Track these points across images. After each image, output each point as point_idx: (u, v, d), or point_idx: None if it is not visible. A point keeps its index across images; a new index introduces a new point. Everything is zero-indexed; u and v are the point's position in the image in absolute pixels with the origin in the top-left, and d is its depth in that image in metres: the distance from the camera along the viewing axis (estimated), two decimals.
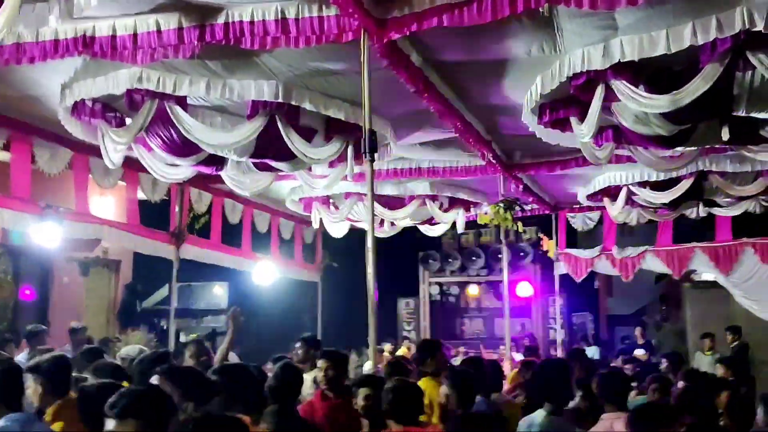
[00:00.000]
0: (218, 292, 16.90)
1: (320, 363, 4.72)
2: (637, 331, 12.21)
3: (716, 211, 10.55)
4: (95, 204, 8.72)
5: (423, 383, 4.90)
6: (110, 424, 2.19)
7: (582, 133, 5.97)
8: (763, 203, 10.26)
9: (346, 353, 5.20)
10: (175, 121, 5.89)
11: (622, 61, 4.92)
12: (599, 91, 5.36)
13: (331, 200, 10.40)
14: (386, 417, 3.71)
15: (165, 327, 11.61)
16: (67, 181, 8.24)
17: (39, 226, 7.18)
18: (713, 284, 13.00)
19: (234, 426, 1.34)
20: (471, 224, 13.04)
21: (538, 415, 3.83)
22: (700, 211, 10.64)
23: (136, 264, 12.20)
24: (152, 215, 9.61)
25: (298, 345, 6.35)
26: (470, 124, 6.80)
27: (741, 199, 9.70)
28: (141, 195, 9.15)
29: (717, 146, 7.18)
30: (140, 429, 2.16)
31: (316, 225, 11.45)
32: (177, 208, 9.52)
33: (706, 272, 12.61)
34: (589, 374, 5.55)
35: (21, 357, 7.03)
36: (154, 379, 3.16)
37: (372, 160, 4.48)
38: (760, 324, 11.98)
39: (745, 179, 8.82)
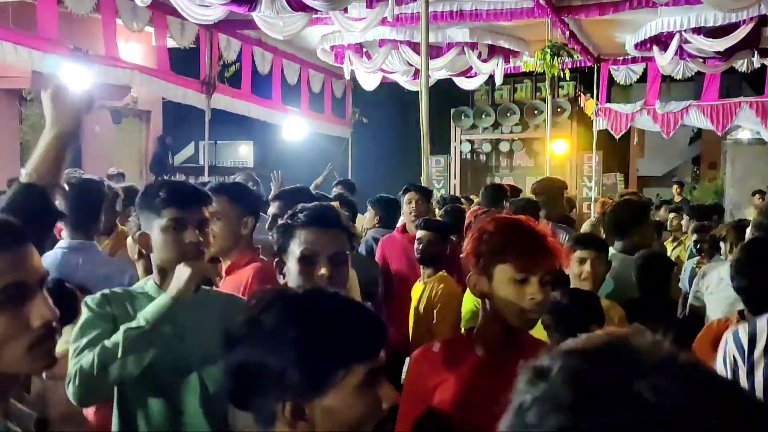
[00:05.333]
0: (243, 151, 16.84)
1: (409, 195, 4.75)
2: (674, 188, 11.99)
3: None
4: (123, 50, 8.40)
5: None
6: None
7: None
8: None
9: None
10: None
11: None
12: None
13: (364, 49, 9.96)
14: None
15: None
16: (95, 26, 7.92)
17: (69, 66, 6.90)
18: (757, 140, 12.64)
19: None
20: (506, 79, 12.56)
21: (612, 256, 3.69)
22: (754, 62, 10.08)
23: (165, 117, 12.03)
24: (180, 64, 9.28)
25: (337, 188, 6.33)
26: None
27: None
28: (170, 43, 8.81)
29: None
30: None
31: (347, 76, 11.06)
32: (206, 56, 9.18)
33: (752, 128, 12.20)
34: None
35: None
36: None
37: None
38: None
39: None
